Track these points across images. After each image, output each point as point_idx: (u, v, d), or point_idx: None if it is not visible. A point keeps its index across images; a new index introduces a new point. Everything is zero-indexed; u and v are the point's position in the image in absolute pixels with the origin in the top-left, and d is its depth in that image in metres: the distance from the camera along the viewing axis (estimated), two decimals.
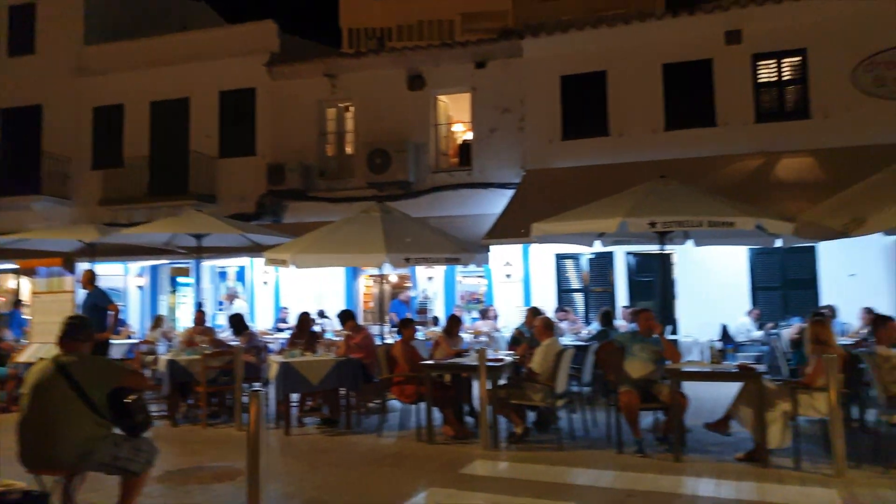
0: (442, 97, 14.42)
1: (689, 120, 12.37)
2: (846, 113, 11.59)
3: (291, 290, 14.39)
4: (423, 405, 7.12)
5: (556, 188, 11.73)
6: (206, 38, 15.60)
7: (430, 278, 14.12)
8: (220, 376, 8.35)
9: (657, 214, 7.07)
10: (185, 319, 14.65)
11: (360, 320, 12.29)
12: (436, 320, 12.76)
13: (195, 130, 15.20)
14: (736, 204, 7.65)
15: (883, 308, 10.20)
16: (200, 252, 10.99)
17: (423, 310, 13.35)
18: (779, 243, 8.86)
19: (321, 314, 12.49)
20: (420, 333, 10.16)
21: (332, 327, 11.76)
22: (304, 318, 9.21)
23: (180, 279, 16.16)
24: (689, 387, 6.60)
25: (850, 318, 10.62)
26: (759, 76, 12.31)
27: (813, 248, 11.65)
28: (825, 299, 11.41)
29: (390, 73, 14.04)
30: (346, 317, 8.80)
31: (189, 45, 15.40)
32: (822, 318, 6.43)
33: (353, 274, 14.38)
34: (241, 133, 14.88)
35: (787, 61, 12.22)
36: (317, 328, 10.41)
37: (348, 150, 14.87)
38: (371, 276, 14.68)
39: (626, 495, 5.06)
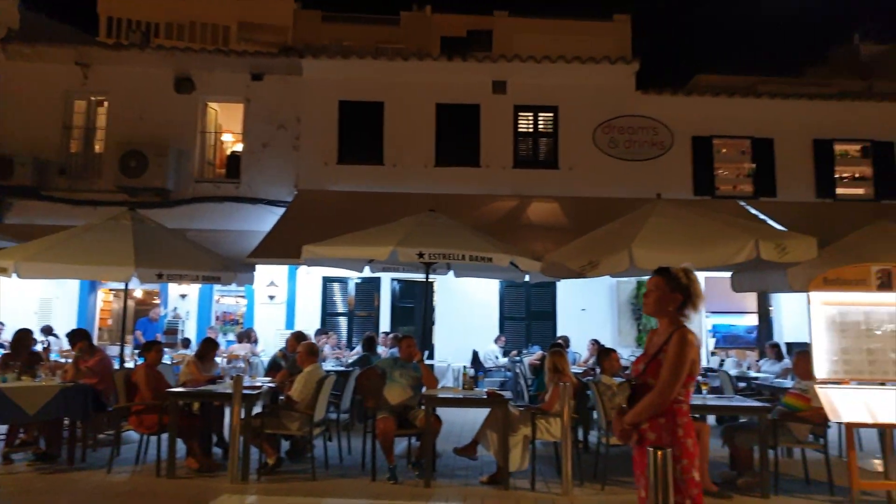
0: (212, 104, 13.60)
1: (457, 158, 13.13)
2: (587, 167, 13.20)
3: (10, 303, 12.34)
4: (164, 436, 6.47)
5: (329, 210, 11.64)
6: None
7: (182, 296, 13.08)
8: None
9: (425, 246, 7.36)
10: None
11: (96, 340, 10.92)
12: (187, 342, 11.81)
13: None
14: (494, 241, 8.24)
15: (606, 340, 11.71)
16: None
17: (172, 330, 12.30)
18: (527, 278, 9.73)
19: (47, 331, 10.88)
20: (167, 357, 9.31)
21: (59, 347, 10.29)
22: (22, 336, 7.88)
23: None
24: (441, 411, 6.86)
25: (580, 349, 12.00)
26: (519, 126, 13.52)
27: (553, 284, 12.97)
28: (561, 330, 12.77)
29: (155, 71, 12.91)
30: (78, 336, 7.75)
31: None
32: (560, 348, 7.12)
33: (89, 286, 12.77)
34: None
35: (543, 115, 13.60)
36: (39, 347, 9.02)
37: (97, 148, 13.28)
38: (112, 289, 13.18)
39: None
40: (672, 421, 3.07)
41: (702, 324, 13.73)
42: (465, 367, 7.46)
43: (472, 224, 9.55)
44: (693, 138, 13.74)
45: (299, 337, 8.38)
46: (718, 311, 14.13)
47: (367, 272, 10.19)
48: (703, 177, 13.72)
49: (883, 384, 5.86)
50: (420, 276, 9.75)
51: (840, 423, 5.69)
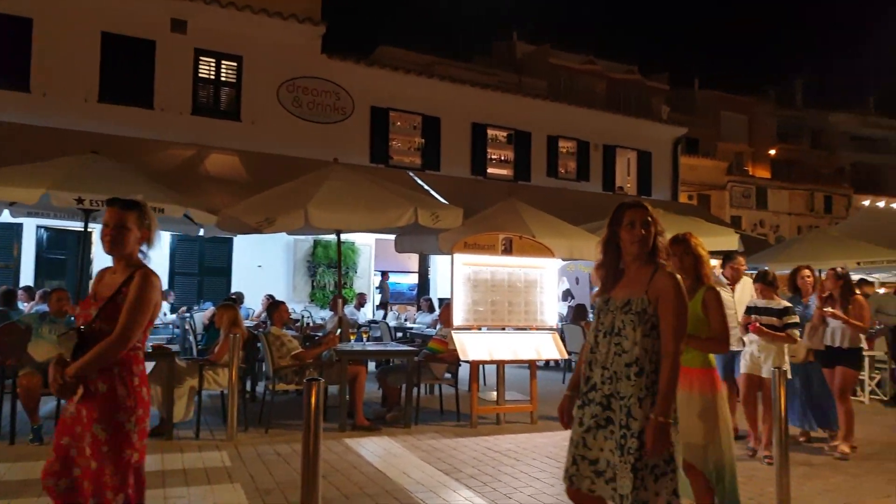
0: None
1: (127, 97, 12.03)
2: (271, 123, 13.21)
3: None
4: None
5: None
6: None
7: None
8: None
9: (85, 191, 6.74)
10: None
11: None
12: None
13: None
14: (167, 190, 7.88)
15: (281, 295, 12.02)
16: None
17: None
18: (202, 233, 9.49)
19: None
20: None
21: None
22: None
23: None
24: None
25: (255, 304, 12.12)
26: (200, 71, 12.89)
27: (230, 239, 12.81)
28: (236, 286, 12.71)
29: None
30: None
31: None
32: (232, 302, 7.21)
33: None
34: None
35: (226, 63, 13.16)
36: None
37: None
38: None
39: (21, 485, 4.66)
40: (128, 370, 2.80)
41: (371, 281, 14.94)
42: None
43: (143, 171, 8.94)
44: (372, 108, 14.67)
45: None
46: (385, 271, 15.49)
47: (5, 216, 8.87)
48: (379, 146, 14.78)
49: (503, 329, 7.27)
50: (76, 225, 8.80)
51: (468, 362, 6.90)
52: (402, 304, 15.13)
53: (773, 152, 38.21)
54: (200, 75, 12.90)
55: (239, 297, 10.88)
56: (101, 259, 12.03)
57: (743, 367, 5.86)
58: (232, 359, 6.06)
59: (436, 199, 11.11)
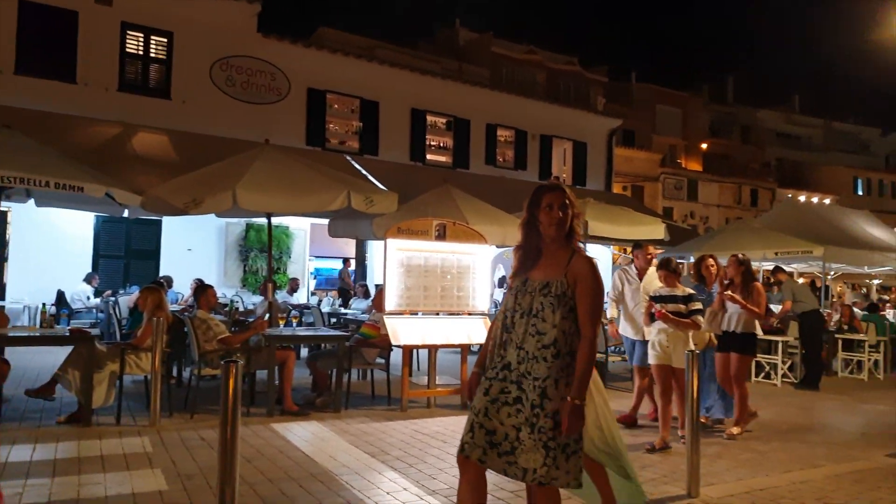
0: None
1: (47, 69, 11.47)
2: (202, 102, 12.82)
3: None
4: None
5: None
6: None
7: None
8: None
9: None
10: None
11: None
12: None
13: None
14: (88, 169, 7.55)
15: (213, 280, 11.72)
16: None
17: None
18: (126, 213, 9.16)
19: None
20: None
21: None
22: None
23: None
24: (15, 355, 6.18)
25: (184, 289, 11.79)
26: (128, 46, 12.38)
27: (159, 221, 12.41)
28: (165, 270, 12.33)
29: None
30: None
31: None
32: (158, 286, 7.00)
33: None
34: None
35: (156, 39, 12.69)
36: None
37: None
38: None
39: None
40: None
41: (305, 266, 14.75)
42: (43, 304, 6.75)
43: (63, 148, 8.54)
44: (309, 90, 14.43)
45: None
46: (321, 256, 15.34)
47: None
48: (315, 128, 14.57)
49: (437, 314, 7.32)
50: None
51: (400, 346, 6.92)
52: (337, 291, 15.02)
53: (705, 146, 39.60)
54: (128, 50, 12.40)
55: (167, 281, 10.56)
56: (19, 240, 11.47)
57: (653, 357, 5.82)
58: (155, 343, 5.89)
59: (372, 183, 11.05)
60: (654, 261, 6.75)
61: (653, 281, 6.45)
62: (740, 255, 6.51)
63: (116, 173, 9.20)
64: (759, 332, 6.45)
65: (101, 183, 7.22)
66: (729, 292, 6.27)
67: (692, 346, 5.62)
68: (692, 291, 5.86)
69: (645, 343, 6.29)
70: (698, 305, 5.73)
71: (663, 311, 5.65)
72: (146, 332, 6.16)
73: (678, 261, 6.78)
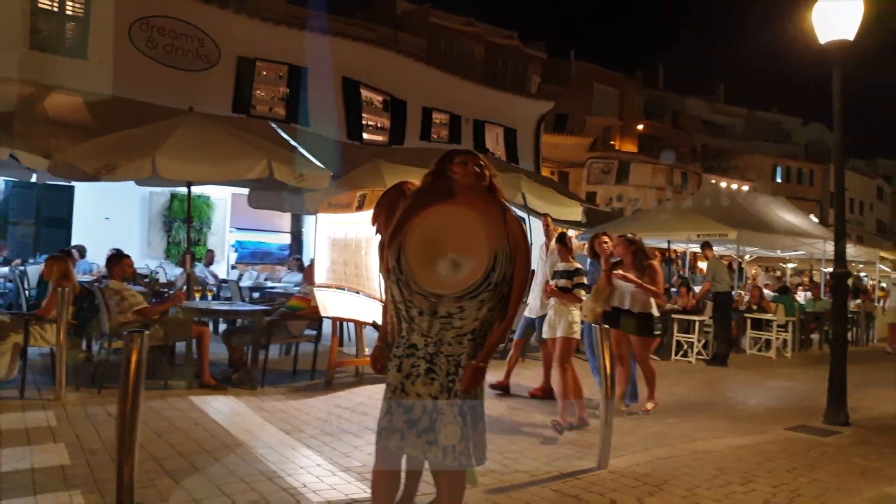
0: None
1: None
2: (122, 64, 12.16)
3: None
4: None
5: None
6: None
7: None
8: None
9: None
10: None
11: None
12: None
13: None
14: None
15: (135, 251, 11.24)
16: None
17: None
18: (35, 178, 8.66)
19: None
20: None
21: None
22: None
23: None
24: None
25: (101, 259, 11.26)
26: (41, 1, 11.61)
27: (70, 187, 11.78)
28: (77, 239, 11.73)
29: None
30: None
31: None
32: (63, 255, 6.67)
33: None
34: None
35: None
36: None
37: None
38: None
39: None
40: None
41: (226, 238, 14.35)
42: None
43: None
44: (239, 58, 13.95)
45: None
46: (244, 228, 14.94)
47: None
48: (242, 96, 14.10)
49: (358, 293, 7.22)
50: None
51: (329, 317, 6.86)
52: (266, 265, 14.71)
53: (641, 127, 40.53)
54: (40, 6, 11.63)
55: (79, 251, 10.08)
56: None
57: (546, 332, 5.91)
58: (60, 314, 5.63)
59: (304, 156, 10.80)
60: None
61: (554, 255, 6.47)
62: (629, 235, 6.48)
63: (25, 135, 8.69)
64: (654, 311, 6.37)
65: (5, 145, 6.80)
66: (621, 272, 6.25)
67: (577, 319, 5.70)
68: (579, 266, 5.89)
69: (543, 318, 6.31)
70: (582, 279, 5.78)
71: (553, 285, 5.77)
72: (51, 303, 5.88)
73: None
